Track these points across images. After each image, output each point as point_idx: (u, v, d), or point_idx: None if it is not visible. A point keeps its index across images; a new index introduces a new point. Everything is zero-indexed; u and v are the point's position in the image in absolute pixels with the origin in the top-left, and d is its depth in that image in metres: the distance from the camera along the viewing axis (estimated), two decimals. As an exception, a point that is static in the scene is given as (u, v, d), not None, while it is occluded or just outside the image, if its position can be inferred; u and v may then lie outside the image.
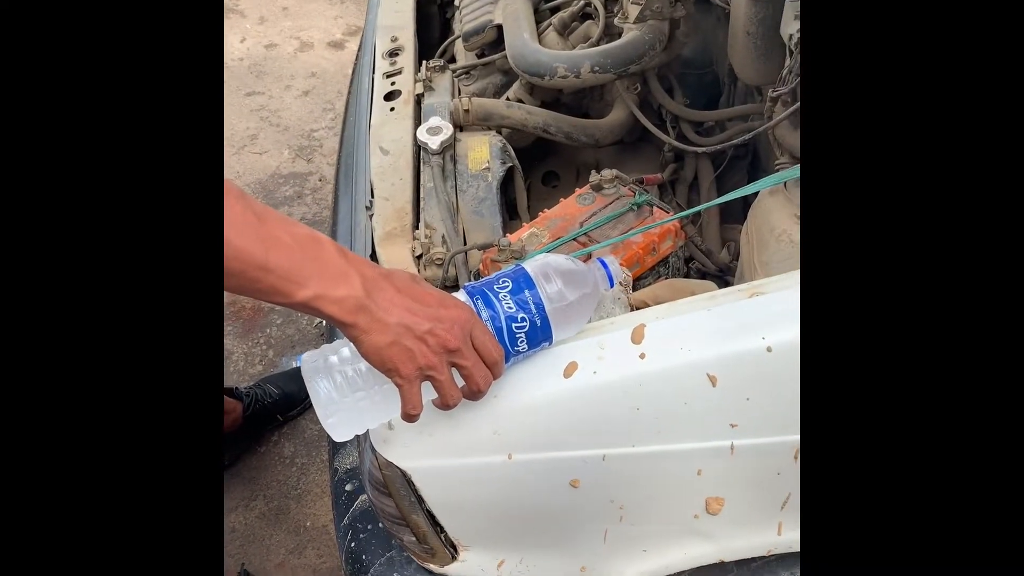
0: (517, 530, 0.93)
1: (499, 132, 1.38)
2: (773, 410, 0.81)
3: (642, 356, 0.80)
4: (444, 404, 0.75)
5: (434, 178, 1.20)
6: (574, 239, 1.12)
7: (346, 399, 0.76)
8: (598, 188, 1.20)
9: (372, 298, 0.69)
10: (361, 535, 1.05)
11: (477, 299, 0.77)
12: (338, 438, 0.79)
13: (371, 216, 1.16)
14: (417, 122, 1.31)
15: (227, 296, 1.48)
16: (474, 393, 0.76)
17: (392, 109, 1.36)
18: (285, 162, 2.75)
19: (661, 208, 1.19)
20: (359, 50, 1.82)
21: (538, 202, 1.45)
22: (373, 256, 1.11)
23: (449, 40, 1.71)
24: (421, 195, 1.20)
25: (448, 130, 1.26)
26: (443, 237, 1.12)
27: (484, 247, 1.10)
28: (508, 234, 1.13)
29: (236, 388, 1.91)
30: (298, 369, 2.06)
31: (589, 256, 1.05)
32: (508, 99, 1.51)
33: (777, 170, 1.13)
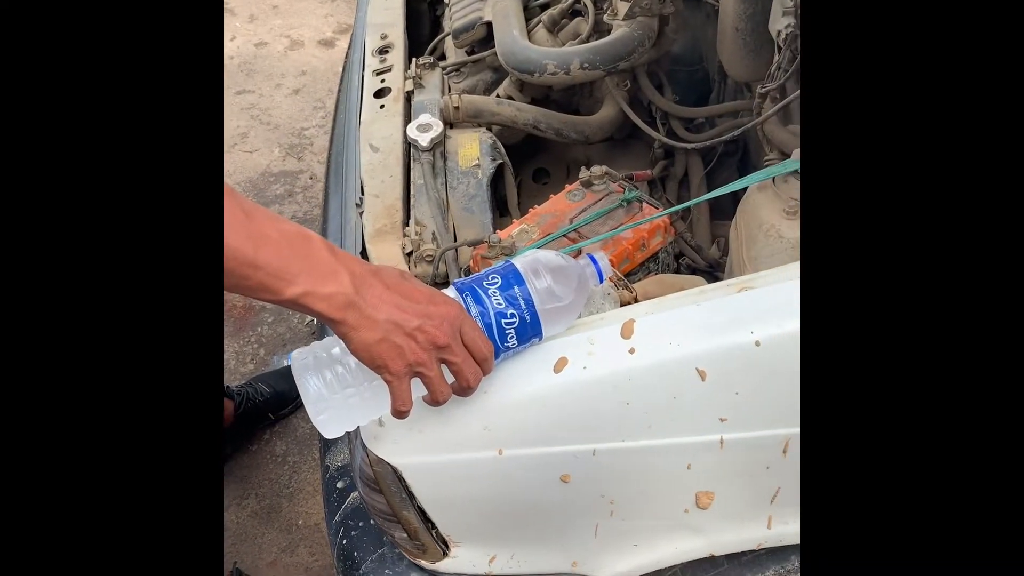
0: (508, 526, 0.93)
1: (489, 129, 1.38)
2: (762, 404, 0.81)
3: (631, 351, 0.80)
4: (434, 400, 0.75)
5: (424, 175, 1.20)
6: (564, 235, 1.13)
7: (336, 396, 0.76)
8: (588, 184, 1.21)
9: (361, 295, 0.69)
10: (353, 532, 1.05)
11: (466, 295, 0.77)
12: (328, 435, 0.79)
13: (361, 213, 1.16)
14: (407, 119, 1.31)
15: (217, 294, 1.47)
16: (464, 389, 0.76)
17: (382, 106, 1.35)
18: (276, 160, 2.74)
19: (651, 204, 1.19)
20: (349, 48, 1.82)
21: (528, 199, 1.45)
22: (363, 253, 1.11)
23: (439, 37, 1.71)
24: (411, 192, 1.20)
25: (438, 127, 1.26)
26: (433, 234, 1.12)
27: (474, 244, 1.10)
28: (498, 231, 1.13)
29: (227, 387, 1.91)
30: (289, 367, 2.06)
31: (579, 252, 1.05)
32: (498, 96, 1.51)
33: (766, 166, 1.14)
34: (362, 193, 1.20)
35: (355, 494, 1.06)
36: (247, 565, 1.76)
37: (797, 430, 0.82)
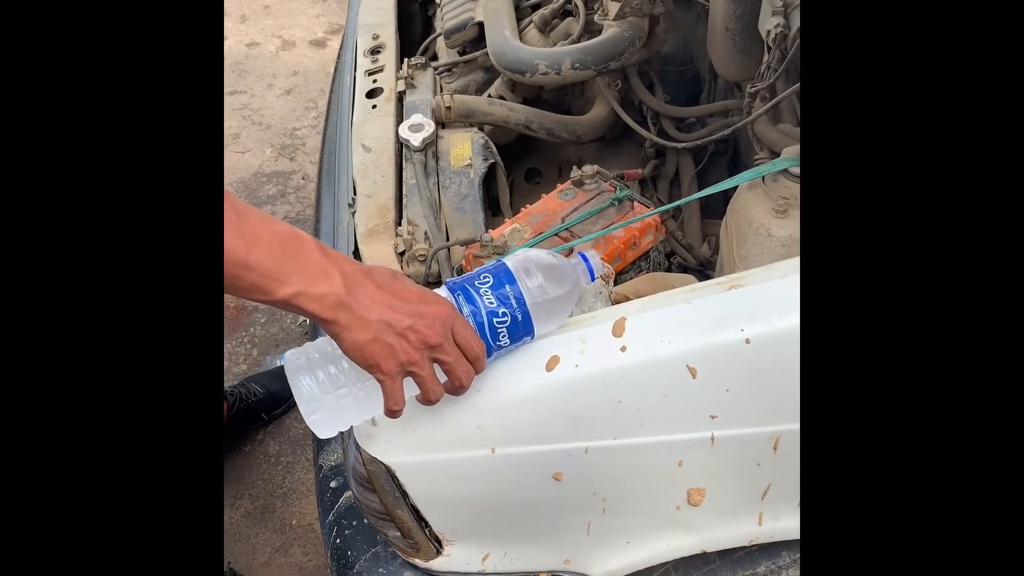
0: (501, 524, 0.94)
1: (481, 129, 1.38)
2: (752, 401, 0.82)
3: (623, 349, 0.80)
4: (426, 400, 0.76)
5: (416, 175, 1.21)
6: (556, 234, 1.13)
7: (329, 396, 0.76)
8: (579, 184, 1.21)
9: (353, 295, 0.69)
10: (346, 531, 1.05)
11: (458, 295, 0.78)
12: (322, 435, 0.79)
13: (354, 213, 1.16)
14: (399, 119, 1.32)
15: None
16: (456, 388, 0.76)
17: (374, 106, 1.36)
18: (268, 161, 2.74)
19: (642, 203, 1.20)
20: (341, 48, 1.82)
21: (520, 198, 1.45)
22: (356, 253, 1.11)
23: (431, 38, 1.71)
24: (403, 192, 1.20)
25: (430, 127, 1.26)
26: (426, 233, 1.13)
27: (467, 243, 1.10)
28: (490, 230, 1.13)
29: (220, 387, 1.91)
30: (282, 368, 2.06)
31: (571, 251, 1.05)
32: (490, 96, 1.52)
33: (756, 165, 1.15)
34: (354, 193, 1.20)
35: (348, 493, 1.06)
36: (241, 565, 1.76)
37: (787, 427, 0.83)
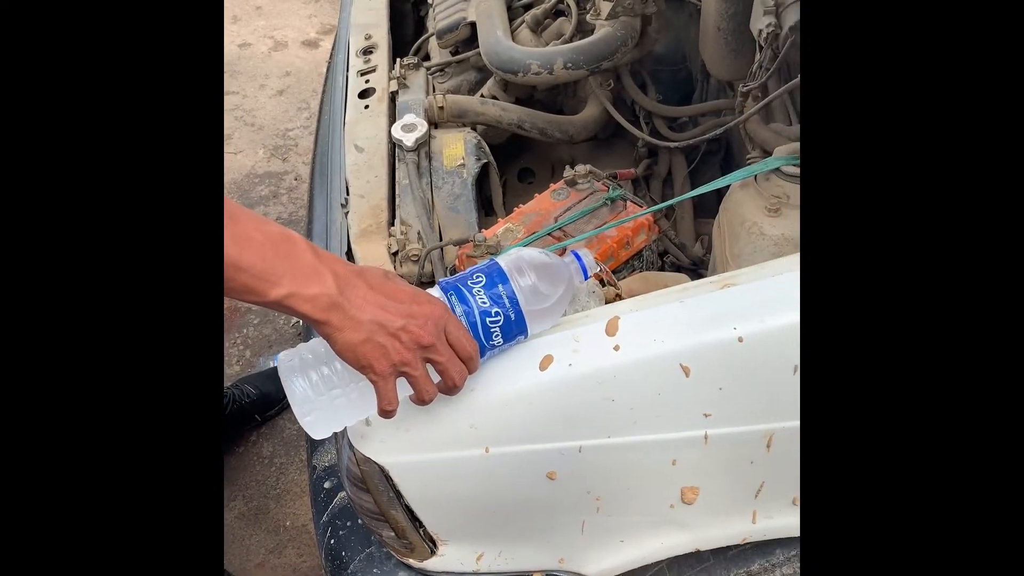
0: (495, 523, 0.94)
1: (474, 129, 1.38)
2: (745, 399, 0.82)
3: (616, 348, 0.81)
4: (420, 400, 0.76)
5: (409, 175, 1.21)
6: (549, 234, 1.13)
7: (322, 397, 0.76)
8: (572, 183, 1.21)
9: (345, 296, 0.69)
10: (340, 532, 1.05)
11: (451, 295, 0.78)
12: (316, 436, 0.79)
13: (347, 214, 1.16)
14: (392, 119, 1.32)
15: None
16: (450, 388, 0.76)
17: (367, 107, 1.36)
18: (260, 161, 2.74)
19: (635, 203, 1.20)
20: (333, 48, 1.82)
21: (513, 198, 1.45)
22: (349, 253, 1.11)
23: (423, 38, 1.71)
24: (396, 192, 1.20)
25: (423, 127, 1.26)
26: (419, 233, 1.13)
27: (460, 243, 1.10)
28: (483, 230, 1.13)
29: (214, 389, 1.91)
30: (276, 369, 2.06)
31: (564, 250, 1.06)
32: (482, 96, 1.52)
33: (748, 164, 1.15)
34: (347, 193, 1.20)
35: (342, 494, 1.06)
36: (235, 567, 1.75)
37: (780, 425, 0.84)
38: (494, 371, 0.81)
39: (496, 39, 1.44)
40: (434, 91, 1.45)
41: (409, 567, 0.98)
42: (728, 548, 0.98)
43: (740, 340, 0.78)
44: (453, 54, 1.63)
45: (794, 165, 1.01)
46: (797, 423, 0.82)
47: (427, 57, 1.69)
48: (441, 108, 1.36)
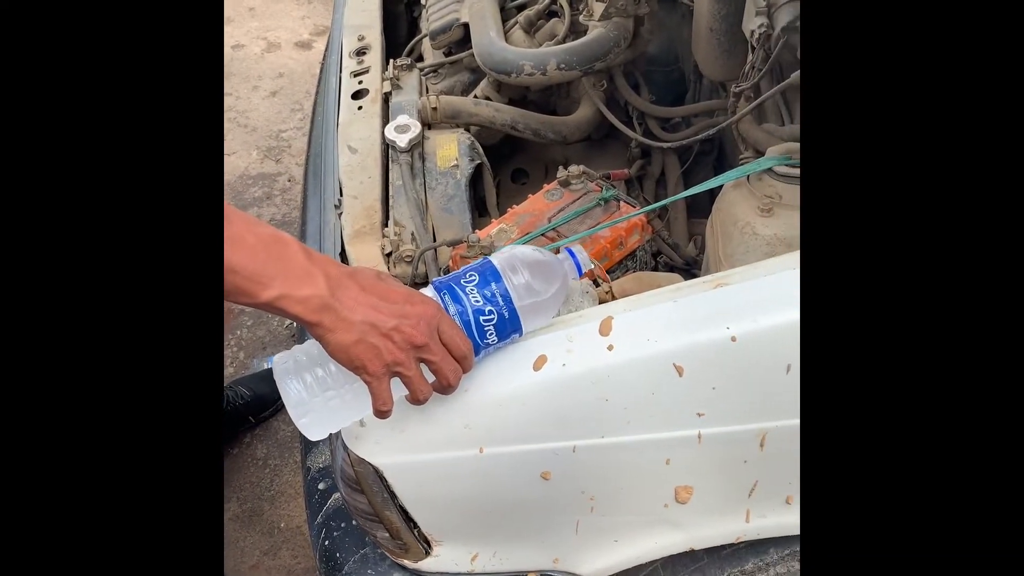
0: (490, 523, 0.94)
1: (467, 130, 1.38)
2: (738, 398, 0.82)
3: (610, 348, 0.81)
4: (415, 399, 0.76)
5: (403, 176, 1.21)
6: (542, 234, 1.13)
7: (317, 399, 0.76)
8: (566, 184, 1.22)
9: (336, 297, 0.69)
10: (335, 533, 1.05)
11: (444, 294, 0.78)
12: (312, 437, 0.79)
13: (340, 215, 1.16)
14: (385, 120, 1.32)
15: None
16: (444, 387, 0.76)
17: (360, 108, 1.36)
18: (254, 163, 2.73)
19: (628, 203, 1.20)
20: (326, 50, 1.82)
21: (507, 199, 1.45)
22: (343, 254, 1.11)
23: (416, 39, 1.71)
24: (390, 193, 1.20)
25: (416, 128, 1.26)
26: (412, 234, 1.13)
27: (453, 244, 1.10)
28: (477, 231, 1.13)
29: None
30: (270, 370, 2.06)
31: (558, 250, 1.06)
32: (476, 97, 1.52)
33: (741, 164, 1.15)
34: (341, 194, 1.20)
35: (337, 495, 1.06)
36: (230, 569, 1.75)
37: (774, 424, 0.84)
38: (488, 371, 0.82)
39: (489, 40, 1.45)
40: (427, 92, 1.45)
41: (404, 568, 0.98)
42: (722, 547, 0.98)
43: (733, 339, 0.79)
44: (446, 55, 1.63)
45: (787, 165, 1.01)
46: (790, 422, 0.83)
47: (420, 58, 1.69)
48: (434, 109, 1.36)
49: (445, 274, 1.05)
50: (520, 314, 0.79)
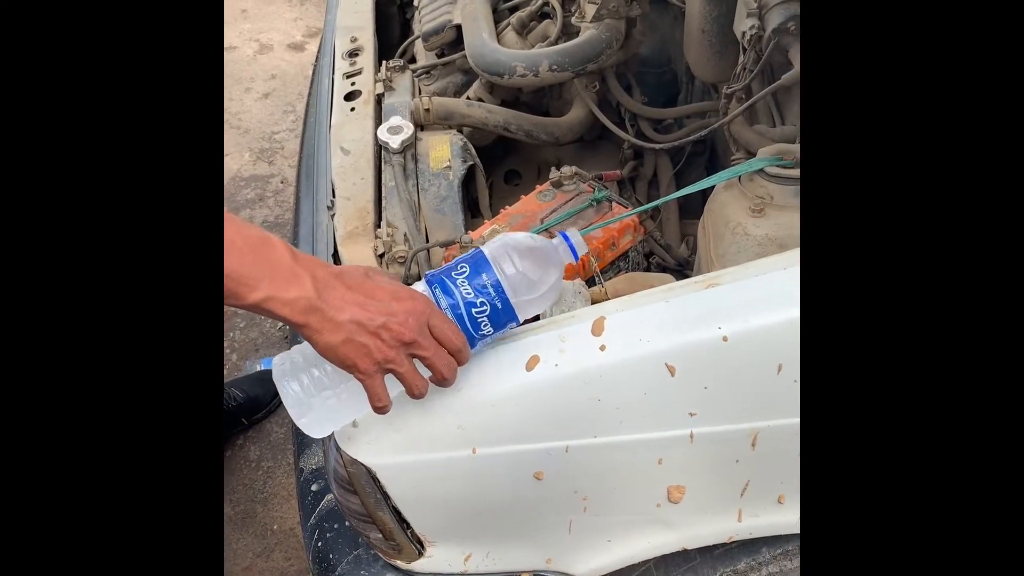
0: (483, 524, 0.94)
1: (460, 131, 1.38)
2: (730, 398, 0.83)
3: (602, 348, 0.81)
4: (411, 394, 0.76)
5: (395, 177, 1.21)
6: (535, 235, 1.13)
7: (314, 399, 0.77)
8: (558, 185, 1.22)
9: (323, 298, 0.70)
10: (328, 534, 1.05)
11: (435, 288, 0.78)
12: (315, 435, 0.79)
13: (333, 216, 1.16)
14: (378, 122, 1.32)
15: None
16: (440, 381, 0.76)
17: (352, 109, 1.36)
18: (246, 165, 2.73)
19: (620, 204, 1.21)
20: (319, 51, 1.82)
21: (500, 200, 1.45)
22: (335, 256, 1.11)
23: (409, 40, 1.72)
24: (383, 194, 1.20)
25: (409, 129, 1.26)
26: (405, 235, 1.13)
27: (446, 244, 1.10)
28: (470, 231, 1.13)
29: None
30: (262, 372, 2.06)
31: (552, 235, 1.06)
32: (468, 98, 1.52)
33: (733, 165, 1.16)
34: (333, 196, 1.20)
35: (330, 496, 1.06)
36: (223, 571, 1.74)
37: (765, 423, 0.84)
38: (481, 372, 0.82)
39: (482, 41, 1.45)
40: (420, 93, 1.45)
41: (397, 569, 0.98)
42: (715, 547, 0.99)
43: (725, 339, 0.79)
44: (439, 56, 1.63)
45: (778, 166, 1.01)
46: (782, 422, 0.83)
47: (413, 60, 1.69)
48: (427, 110, 1.36)
49: (438, 273, 1.05)
50: (514, 303, 0.78)
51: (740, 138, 1.25)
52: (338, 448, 0.86)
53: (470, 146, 1.32)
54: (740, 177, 1.04)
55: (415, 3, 1.74)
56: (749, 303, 0.80)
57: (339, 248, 1.11)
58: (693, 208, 1.47)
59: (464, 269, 0.78)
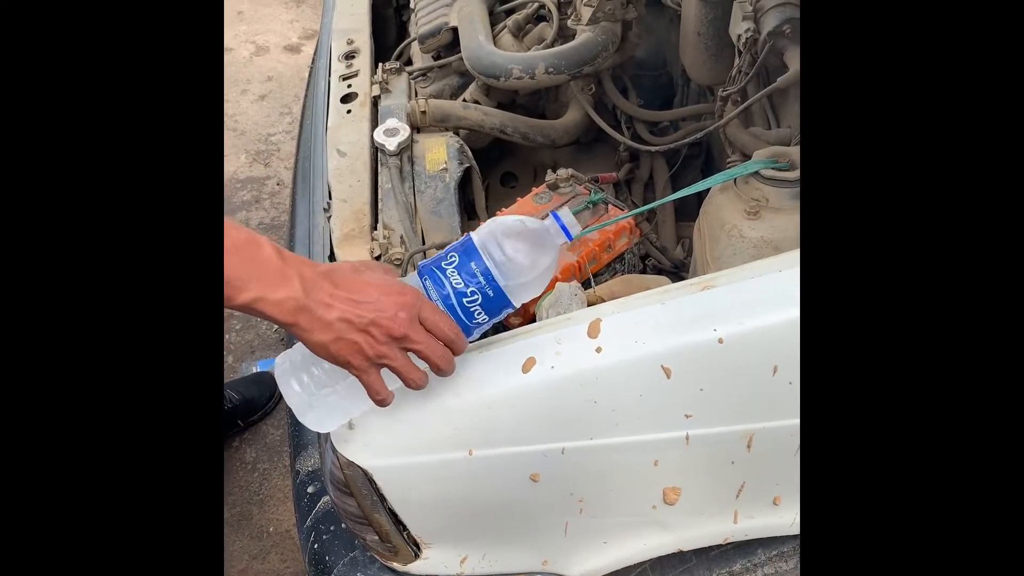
0: (479, 526, 0.94)
1: (456, 133, 1.39)
2: (726, 400, 0.83)
3: (598, 350, 0.81)
4: (409, 386, 0.76)
5: (392, 179, 1.21)
6: (531, 238, 1.13)
7: (315, 397, 0.77)
8: (554, 187, 1.22)
9: (311, 297, 0.70)
10: (324, 536, 1.05)
11: (426, 280, 0.77)
12: (322, 430, 0.80)
13: (329, 218, 1.16)
14: (374, 124, 1.32)
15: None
16: (438, 371, 0.76)
17: (349, 111, 1.36)
18: (242, 167, 2.73)
19: (616, 206, 1.21)
20: (315, 53, 1.82)
21: (496, 202, 1.46)
22: (331, 258, 1.11)
23: (405, 43, 1.72)
24: (379, 196, 1.20)
25: (405, 132, 1.26)
26: (401, 238, 1.13)
27: (442, 246, 1.10)
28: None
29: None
30: (259, 375, 2.05)
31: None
32: (465, 101, 1.52)
33: (728, 168, 1.16)
34: (330, 198, 1.20)
35: (326, 498, 1.06)
36: (218, 574, 1.74)
37: (761, 425, 0.84)
38: (477, 374, 0.82)
39: (478, 44, 1.45)
40: (416, 96, 1.45)
41: (393, 571, 0.98)
42: (710, 548, 0.99)
43: (720, 341, 0.79)
44: (435, 59, 1.63)
45: (773, 169, 1.02)
46: (777, 423, 0.84)
47: (409, 62, 1.69)
48: (423, 113, 1.36)
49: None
50: (508, 288, 0.77)
51: (736, 141, 1.25)
52: (334, 450, 0.86)
53: (466, 148, 1.33)
54: (736, 180, 1.05)
55: (411, 5, 1.74)
56: (745, 305, 0.80)
57: (335, 250, 1.11)
58: (689, 210, 1.47)
59: (454, 259, 0.78)
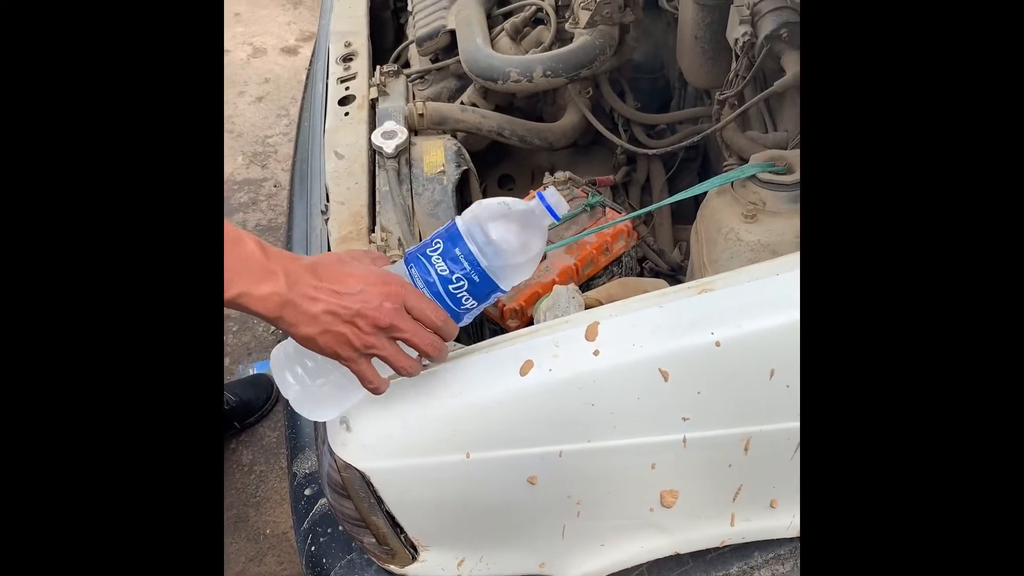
0: (476, 528, 0.94)
1: (454, 136, 1.39)
2: (723, 403, 0.83)
3: (596, 353, 0.81)
4: (401, 373, 0.76)
5: (389, 182, 1.21)
6: (529, 240, 1.13)
7: (309, 388, 0.78)
8: (552, 190, 1.22)
9: (295, 291, 0.70)
10: (321, 539, 1.05)
11: (411, 268, 0.77)
12: (319, 419, 0.80)
13: (327, 220, 1.16)
14: (372, 126, 1.32)
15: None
16: (427, 358, 0.76)
17: (346, 114, 1.36)
18: (239, 168, 2.73)
19: (614, 209, 1.21)
20: (313, 55, 1.82)
21: (493, 205, 1.46)
22: (329, 260, 1.11)
23: (403, 45, 1.72)
24: (377, 199, 1.20)
25: (403, 134, 1.26)
26: (399, 240, 1.13)
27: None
28: (464, 236, 1.14)
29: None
30: (255, 376, 2.05)
31: (544, 256, 1.06)
32: (462, 103, 1.52)
33: (725, 171, 1.16)
34: (327, 200, 1.20)
35: (323, 501, 1.06)
36: None
37: (758, 428, 0.85)
38: (475, 376, 0.82)
39: (476, 47, 1.45)
40: (414, 98, 1.45)
41: (390, 573, 0.98)
42: (707, 551, 0.99)
43: (718, 344, 0.79)
44: (433, 61, 1.63)
45: (770, 172, 1.02)
46: (774, 426, 0.84)
47: (407, 64, 1.69)
48: (421, 115, 1.36)
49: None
50: (493, 273, 0.76)
51: (733, 144, 1.26)
52: (332, 452, 0.86)
53: (464, 151, 1.33)
54: (733, 183, 1.05)
55: (409, 8, 1.74)
56: (742, 308, 0.80)
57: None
58: (686, 213, 1.48)
59: (438, 245, 0.77)
